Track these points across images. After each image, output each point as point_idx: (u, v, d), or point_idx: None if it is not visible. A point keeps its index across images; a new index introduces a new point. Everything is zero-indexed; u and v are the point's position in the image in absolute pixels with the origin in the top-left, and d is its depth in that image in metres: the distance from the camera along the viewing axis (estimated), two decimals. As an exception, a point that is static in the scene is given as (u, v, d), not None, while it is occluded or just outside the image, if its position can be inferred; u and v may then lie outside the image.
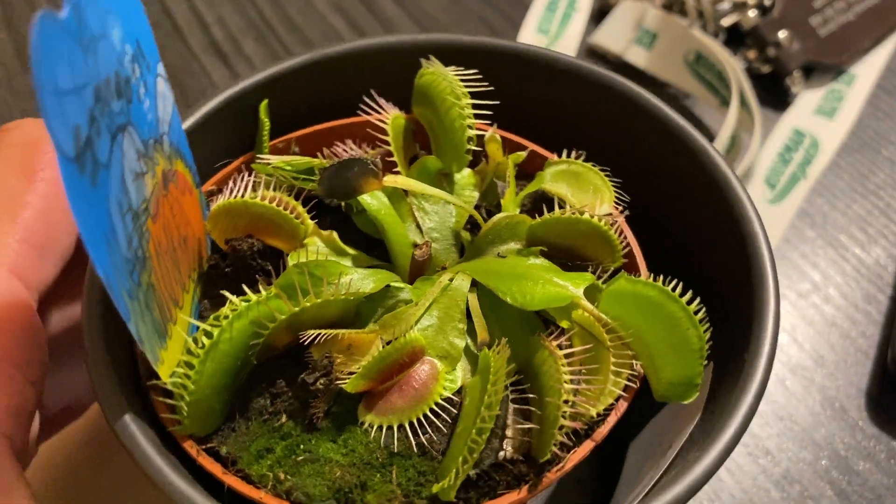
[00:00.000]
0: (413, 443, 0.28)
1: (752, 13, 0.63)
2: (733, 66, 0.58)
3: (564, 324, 0.29)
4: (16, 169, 0.31)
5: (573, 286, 0.29)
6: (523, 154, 0.35)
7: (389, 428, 0.28)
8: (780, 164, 0.57)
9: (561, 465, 0.28)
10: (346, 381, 0.28)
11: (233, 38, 0.68)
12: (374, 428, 0.28)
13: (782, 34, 0.61)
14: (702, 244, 0.35)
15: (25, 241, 0.30)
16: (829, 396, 0.47)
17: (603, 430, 0.28)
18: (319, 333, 0.28)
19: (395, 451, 0.28)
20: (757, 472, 0.45)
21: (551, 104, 0.38)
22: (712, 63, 0.59)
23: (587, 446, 0.28)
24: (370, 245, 0.34)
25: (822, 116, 0.60)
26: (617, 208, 0.34)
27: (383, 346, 0.28)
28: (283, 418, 0.28)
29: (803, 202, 0.56)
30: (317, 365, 0.28)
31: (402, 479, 0.27)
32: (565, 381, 0.27)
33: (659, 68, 0.62)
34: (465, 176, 0.35)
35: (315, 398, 0.28)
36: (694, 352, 0.28)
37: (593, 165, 0.34)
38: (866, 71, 0.62)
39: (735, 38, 0.64)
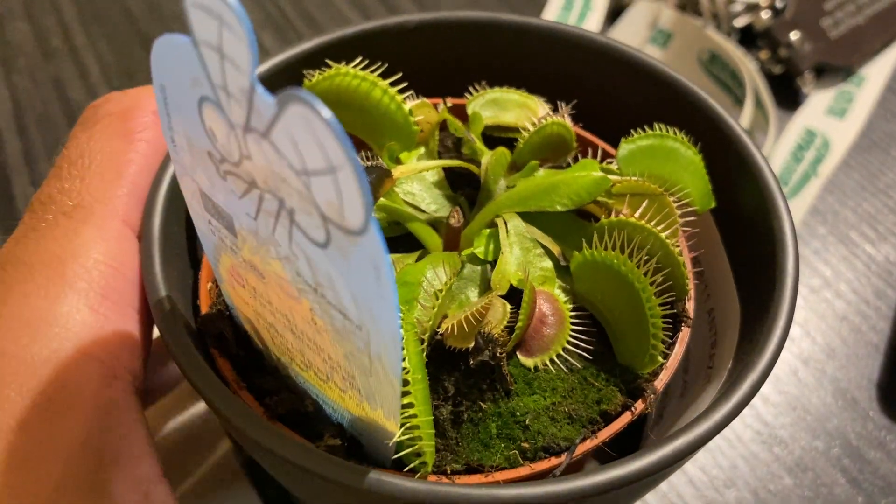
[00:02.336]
0: (580, 357, 0.29)
1: (764, 14, 0.64)
2: (747, 66, 0.59)
3: (604, 219, 0.30)
4: (116, 133, 0.32)
5: (593, 171, 0.31)
6: (445, 110, 0.35)
7: (553, 361, 0.29)
8: (793, 162, 0.58)
9: (663, 371, 0.29)
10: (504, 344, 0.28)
11: (252, 32, 0.69)
12: (544, 366, 0.29)
13: (794, 35, 0.63)
14: (727, 212, 0.35)
15: (132, 194, 0.31)
16: (841, 388, 0.48)
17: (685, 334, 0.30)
18: (455, 323, 0.28)
19: (577, 369, 0.29)
20: (771, 460, 0.46)
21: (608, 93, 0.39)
22: (726, 63, 0.60)
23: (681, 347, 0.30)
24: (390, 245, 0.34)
25: (832, 116, 0.61)
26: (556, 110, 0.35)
27: (497, 302, 0.29)
28: (478, 405, 0.28)
29: (815, 200, 0.57)
30: (479, 344, 0.28)
31: (602, 384, 0.29)
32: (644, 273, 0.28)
33: (673, 68, 0.63)
34: (421, 152, 0.35)
35: (481, 376, 0.28)
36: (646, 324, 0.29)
37: (509, 88, 0.36)
38: (876, 73, 0.64)
39: (748, 39, 0.65)
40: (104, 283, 0.29)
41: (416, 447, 0.25)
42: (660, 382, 0.29)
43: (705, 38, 0.61)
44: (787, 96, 0.62)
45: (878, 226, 0.56)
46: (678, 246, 0.30)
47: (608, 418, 0.29)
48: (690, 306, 0.31)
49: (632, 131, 0.33)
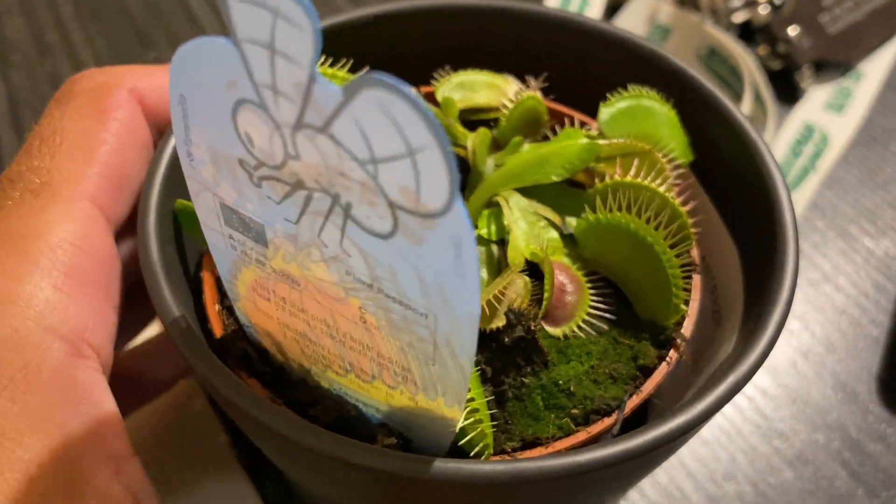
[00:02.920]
0: (604, 320, 0.30)
1: (762, 10, 0.64)
2: (746, 61, 0.59)
3: (598, 183, 0.31)
4: (89, 111, 0.32)
5: (579, 139, 0.31)
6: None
7: (580, 327, 0.29)
8: (791, 156, 0.58)
9: (686, 319, 0.30)
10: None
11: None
12: (573, 333, 0.29)
13: (793, 31, 0.63)
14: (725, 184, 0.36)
15: (103, 174, 0.31)
16: (841, 381, 0.48)
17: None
18: (482, 305, 0.28)
19: (604, 331, 0.30)
20: (771, 453, 0.45)
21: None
22: (725, 58, 0.60)
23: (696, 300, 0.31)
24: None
25: (831, 112, 0.61)
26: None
27: (517, 278, 0.29)
28: (519, 381, 0.28)
29: (814, 194, 0.57)
30: (511, 321, 0.28)
31: (632, 341, 0.30)
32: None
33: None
34: None
35: (514, 352, 0.28)
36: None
37: (474, 70, 0.36)
38: (874, 68, 0.64)
39: (746, 35, 0.65)
40: (69, 262, 0.29)
41: (478, 430, 0.25)
42: (686, 330, 0.30)
43: (704, 34, 0.61)
44: (787, 92, 0.62)
45: (876, 220, 0.56)
46: (677, 198, 0.30)
47: (647, 372, 0.29)
48: (696, 254, 0.32)
49: (607, 95, 0.34)
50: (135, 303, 0.33)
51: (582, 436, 0.28)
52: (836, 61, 0.63)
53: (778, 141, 0.59)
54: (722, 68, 0.60)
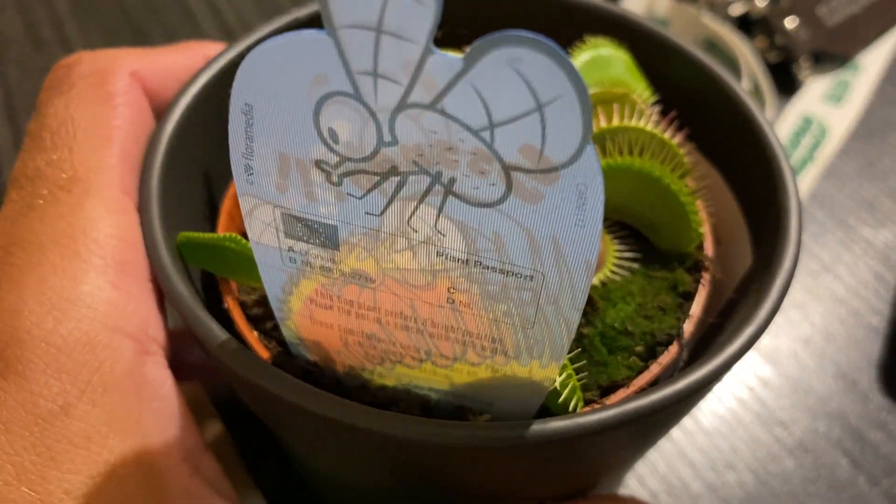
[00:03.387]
0: (631, 259, 0.31)
1: (760, 3, 0.64)
2: (744, 53, 0.58)
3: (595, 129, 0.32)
4: (94, 97, 0.31)
5: None
6: None
7: (613, 271, 0.31)
8: (790, 148, 0.58)
9: (705, 241, 0.31)
10: None
11: (244, 21, 0.69)
12: (607, 279, 0.30)
13: (790, 22, 0.62)
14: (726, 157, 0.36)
15: (125, 162, 0.30)
16: (841, 369, 0.48)
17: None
18: None
19: (635, 270, 0.31)
20: (771, 442, 0.45)
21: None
22: (723, 50, 0.59)
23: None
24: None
25: (829, 104, 0.61)
26: None
27: None
28: (578, 332, 0.29)
29: (813, 186, 0.56)
30: None
31: (664, 272, 0.31)
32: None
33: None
34: None
35: None
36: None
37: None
38: (873, 61, 0.64)
39: (744, 28, 0.65)
40: (119, 257, 0.28)
41: (569, 386, 0.26)
42: (708, 251, 0.31)
43: (701, 26, 0.61)
44: (785, 84, 0.62)
45: (875, 211, 0.56)
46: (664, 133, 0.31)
47: (689, 297, 0.30)
48: (691, 182, 0.33)
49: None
50: None
51: (655, 369, 0.28)
52: (834, 53, 0.63)
53: (777, 132, 0.59)
54: (720, 60, 0.60)
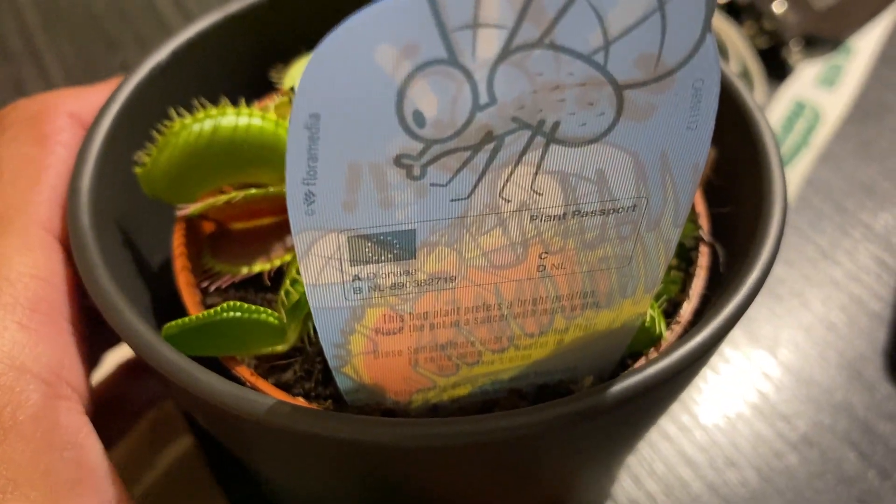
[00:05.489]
0: None
1: (746, -13, 0.62)
2: (733, 38, 0.57)
3: None
4: (29, 138, 0.30)
5: None
6: None
7: None
8: (783, 133, 0.56)
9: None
10: None
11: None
12: None
13: (778, 7, 0.61)
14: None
15: (53, 201, 0.29)
16: (845, 358, 0.46)
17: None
18: None
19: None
20: (774, 437, 0.43)
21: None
22: (709, 35, 0.57)
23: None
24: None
25: (822, 87, 0.59)
26: None
27: None
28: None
29: (809, 170, 0.54)
30: None
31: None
32: None
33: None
34: None
35: None
36: None
37: None
38: (865, 43, 0.62)
39: (731, 14, 0.63)
40: (32, 295, 0.26)
41: (654, 314, 0.26)
42: (699, 206, 0.31)
43: (686, 12, 0.59)
44: (775, 69, 0.60)
45: (873, 194, 0.54)
46: None
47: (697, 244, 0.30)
48: None
49: None
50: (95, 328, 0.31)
51: (701, 273, 0.29)
52: (824, 37, 0.61)
53: (768, 118, 0.57)
54: (706, 46, 0.58)
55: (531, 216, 0.21)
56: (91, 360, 0.34)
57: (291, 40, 0.35)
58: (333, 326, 0.23)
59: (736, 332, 0.47)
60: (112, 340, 0.35)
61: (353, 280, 0.22)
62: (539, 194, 0.21)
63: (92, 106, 0.32)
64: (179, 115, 0.28)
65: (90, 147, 0.30)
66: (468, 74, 0.18)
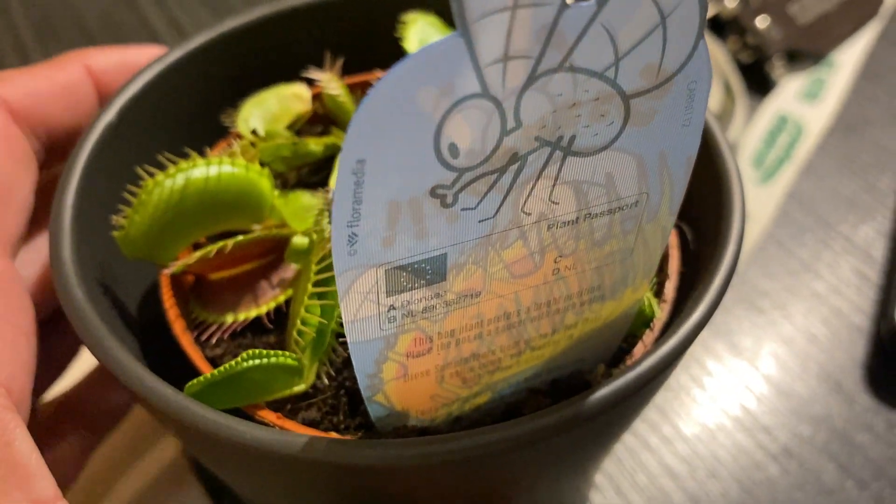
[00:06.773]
0: None
1: (730, 3, 0.63)
2: (714, 53, 0.57)
3: None
4: None
5: None
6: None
7: None
8: (765, 147, 0.57)
9: None
10: None
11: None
12: None
13: (762, 22, 0.61)
14: None
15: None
16: (824, 371, 0.46)
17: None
18: None
19: None
20: (755, 449, 0.43)
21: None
22: (693, 50, 0.58)
23: None
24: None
25: (804, 102, 0.60)
26: None
27: None
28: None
29: (791, 184, 0.55)
30: None
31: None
32: None
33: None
34: None
35: None
36: None
37: None
38: (847, 57, 0.62)
39: (715, 30, 0.64)
40: None
41: (646, 302, 0.27)
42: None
43: (671, 28, 0.60)
44: (758, 84, 0.61)
45: (855, 207, 0.54)
46: None
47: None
48: None
49: None
50: (59, 333, 0.31)
51: (674, 253, 0.30)
52: (807, 51, 0.62)
53: (751, 132, 0.58)
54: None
55: (548, 225, 0.23)
56: (53, 364, 0.34)
57: (234, 82, 0.35)
58: (368, 358, 0.23)
59: (718, 344, 0.48)
60: (75, 348, 0.35)
61: (388, 310, 0.22)
62: (556, 204, 0.22)
63: (23, 89, 0.31)
64: (148, 172, 0.28)
65: (61, 220, 0.29)
66: (497, 104, 0.19)
